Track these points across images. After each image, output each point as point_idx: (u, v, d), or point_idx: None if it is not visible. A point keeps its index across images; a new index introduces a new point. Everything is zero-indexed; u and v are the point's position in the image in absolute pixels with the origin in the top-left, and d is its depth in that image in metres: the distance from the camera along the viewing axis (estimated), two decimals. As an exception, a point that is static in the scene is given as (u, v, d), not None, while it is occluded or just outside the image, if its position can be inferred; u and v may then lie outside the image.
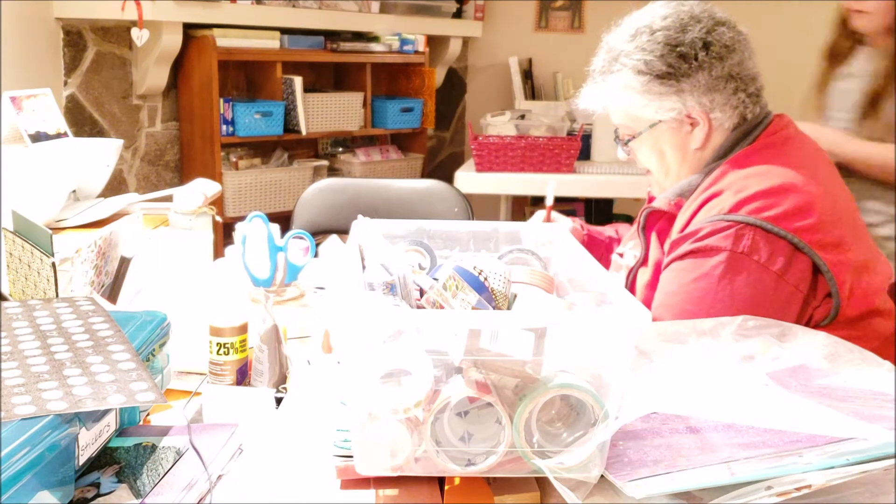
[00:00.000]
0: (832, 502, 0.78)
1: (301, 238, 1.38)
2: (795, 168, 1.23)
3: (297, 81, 3.50)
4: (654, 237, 1.34)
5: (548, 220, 1.64)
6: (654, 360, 0.97)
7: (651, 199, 1.48)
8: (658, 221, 1.34)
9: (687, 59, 1.26)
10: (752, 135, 1.29)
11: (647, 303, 1.29)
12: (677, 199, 1.31)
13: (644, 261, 1.37)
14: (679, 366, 0.95)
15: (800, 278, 1.17)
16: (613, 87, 1.32)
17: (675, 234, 1.27)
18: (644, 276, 1.35)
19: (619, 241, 1.62)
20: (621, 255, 1.45)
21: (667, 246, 1.29)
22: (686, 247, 1.22)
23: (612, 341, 0.86)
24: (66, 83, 3.04)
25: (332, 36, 3.67)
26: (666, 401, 0.88)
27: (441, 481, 0.88)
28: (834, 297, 1.17)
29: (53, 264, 1.21)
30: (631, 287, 1.38)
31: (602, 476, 0.82)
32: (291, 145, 3.75)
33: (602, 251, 1.61)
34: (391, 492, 0.87)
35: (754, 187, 1.20)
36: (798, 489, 0.76)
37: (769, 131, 1.29)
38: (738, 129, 1.30)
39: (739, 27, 1.31)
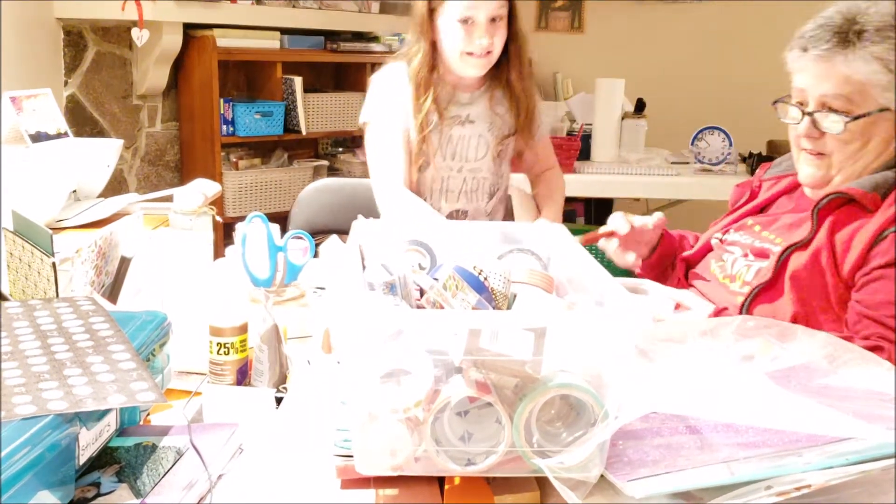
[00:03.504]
0: (831, 502, 0.78)
1: (300, 238, 1.38)
2: None
3: (297, 81, 3.50)
4: (826, 224, 1.28)
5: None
6: (654, 360, 0.97)
7: (739, 196, 1.50)
8: (835, 210, 1.29)
9: None
10: None
11: (799, 286, 1.26)
12: (872, 193, 1.27)
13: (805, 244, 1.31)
14: (679, 365, 0.95)
15: None
16: (864, 53, 1.25)
17: (871, 230, 1.24)
18: (800, 258, 1.29)
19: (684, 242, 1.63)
20: (722, 242, 1.45)
21: (859, 243, 1.24)
22: None
23: (612, 341, 0.86)
24: (66, 83, 3.04)
25: (332, 36, 3.67)
26: (666, 400, 0.88)
27: (441, 481, 0.88)
28: None
29: (54, 264, 1.21)
30: (780, 269, 1.31)
31: (602, 476, 0.82)
32: (291, 145, 3.75)
33: (675, 246, 1.61)
34: (391, 491, 0.87)
35: None
36: (797, 489, 0.76)
37: None
38: None
39: None
